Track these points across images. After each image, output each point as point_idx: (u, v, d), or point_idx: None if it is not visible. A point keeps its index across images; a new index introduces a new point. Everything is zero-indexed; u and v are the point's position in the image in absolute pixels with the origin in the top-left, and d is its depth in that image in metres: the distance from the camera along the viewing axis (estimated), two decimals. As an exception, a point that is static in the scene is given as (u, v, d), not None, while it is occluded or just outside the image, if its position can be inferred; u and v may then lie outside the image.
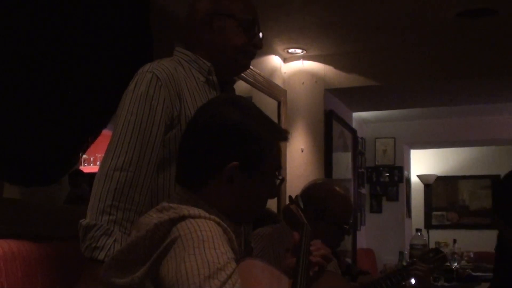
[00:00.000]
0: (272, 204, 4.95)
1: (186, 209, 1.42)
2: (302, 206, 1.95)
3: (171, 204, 1.46)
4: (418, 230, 4.47)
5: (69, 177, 3.41)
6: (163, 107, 1.87)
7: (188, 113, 1.91)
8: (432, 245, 6.16)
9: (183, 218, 1.40)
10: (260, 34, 2.16)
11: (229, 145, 1.57)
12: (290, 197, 2.70)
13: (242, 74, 4.53)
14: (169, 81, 1.91)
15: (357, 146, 6.95)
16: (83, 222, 1.78)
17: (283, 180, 1.76)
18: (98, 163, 5.71)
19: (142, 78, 1.91)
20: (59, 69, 2.78)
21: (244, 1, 2.15)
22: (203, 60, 2.05)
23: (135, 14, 3.27)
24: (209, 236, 1.35)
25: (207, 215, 1.43)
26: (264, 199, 1.68)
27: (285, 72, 5.69)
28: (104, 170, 1.82)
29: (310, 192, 2.89)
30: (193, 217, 1.40)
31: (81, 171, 4.38)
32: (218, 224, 1.42)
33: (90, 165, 5.65)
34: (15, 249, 2.11)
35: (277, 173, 1.68)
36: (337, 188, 2.94)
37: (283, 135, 1.70)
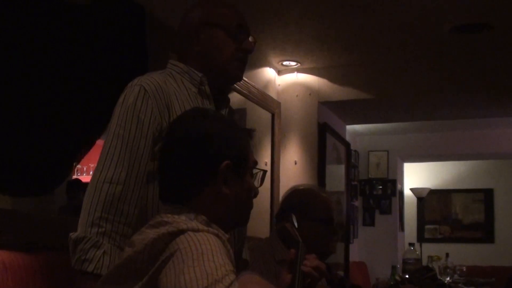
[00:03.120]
0: (265, 212, 4.96)
1: (184, 223, 1.42)
2: (296, 225, 1.97)
3: (165, 219, 1.46)
4: (411, 244, 4.48)
5: (67, 187, 3.40)
6: (150, 119, 1.88)
7: None
8: (424, 259, 6.15)
9: (181, 231, 1.39)
10: (250, 38, 2.14)
11: (217, 148, 1.58)
12: (279, 215, 2.73)
13: (236, 86, 4.55)
14: (157, 93, 1.91)
15: (350, 158, 6.95)
16: (73, 235, 1.79)
17: (266, 171, 1.87)
18: (91, 172, 5.72)
19: (131, 91, 1.92)
20: (53, 79, 2.78)
21: (229, 7, 2.15)
22: (195, 71, 2.05)
23: (131, 26, 3.27)
24: (208, 249, 1.35)
25: (205, 228, 1.43)
26: (252, 198, 1.71)
27: (279, 85, 5.70)
28: (94, 183, 1.84)
29: (291, 196, 3.00)
30: (192, 230, 1.40)
31: (80, 181, 4.36)
32: (217, 236, 1.42)
33: (83, 175, 5.65)
34: (6, 260, 2.11)
35: (257, 168, 1.75)
36: (316, 190, 3.09)
37: (251, 134, 1.78)
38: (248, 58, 2.16)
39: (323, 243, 2.88)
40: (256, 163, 1.73)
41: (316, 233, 2.79)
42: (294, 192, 3.02)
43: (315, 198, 2.94)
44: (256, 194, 1.72)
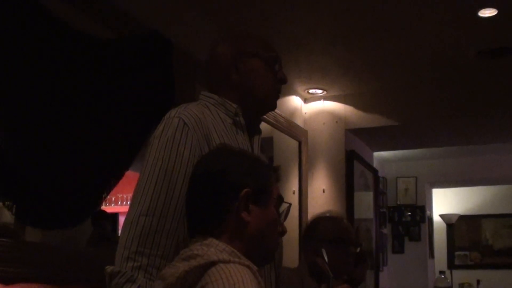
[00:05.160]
0: (293, 241, 4.93)
1: (215, 255, 1.42)
2: (327, 259, 1.97)
3: (195, 252, 1.46)
4: (441, 272, 4.43)
5: (92, 218, 3.42)
6: (190, 152, 1.85)
7: None
8: (455, 286, 6.08)
9: (212, 263, 1.39)
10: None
11: (236, 177, 1.59)
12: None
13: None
14: (197, 126, 1.89)
15: (378, 185, 6.92)
16: (109, 268, 1.77)
17: (290, 205, 1.82)
18: (119, 203, 5.74)
19: (169, 123, 1.89)
20: (83, 113, 2.81)
21: (264, 39, 2.15)
22: (230, 103, 2.03)
23: (158, 59, 3.31)
24: (239, 281, 1.35)
25: (236, 259, 1.42)
26: (277, 232, 1.69)
27: (305, 113, 5.71)
28: (130, 216, 1.81)
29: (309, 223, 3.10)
30: (223, 262, 1.40)
31: (104, 212, 4.38)
32: (248, 267, 1.42)
33: (111, 205, 5.67)
34: (38, 294, 2.12)
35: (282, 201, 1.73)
36: (330, 213, 3.18)
37: (275, 170, 1.80)
38: (281, 90, 2.17)
39: (336, 265, 2.84)
40: (281, 197, 1.71)
41: (340, 257, 2.78)
42: (312, 218, 3.10)
43: (324, 219, 3.00)
44: (284, 231, 1.70)
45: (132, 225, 1.78)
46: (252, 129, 2.11)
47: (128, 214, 1.82)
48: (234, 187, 1.57)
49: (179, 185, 1.81)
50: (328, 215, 3.14)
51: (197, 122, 1.90)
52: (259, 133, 2.13)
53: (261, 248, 1.62)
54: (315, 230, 2.93)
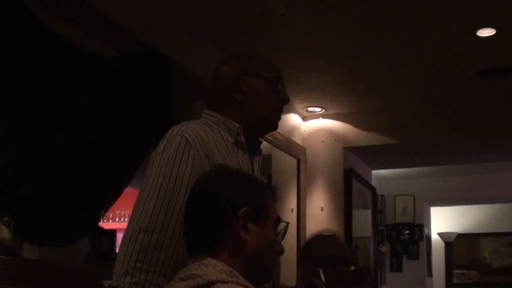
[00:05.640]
0: (291, 259, 4.92)
1: (214, 275, 1.42)
2: (324, 280, 1.97)
3: (194, 272, 1.45)
4: (440, 291, 4.41)
5: (90, 235, 3.41)
6: (192, 170, 1.85)
7: None
8: (454, 305, 6.06)
9: (211, 283, 1.39)
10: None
11: (235, 196, 1.59)
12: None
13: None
14: (199, 144, 1.89)
15: (376, 203, 6.91)
16: (106, 283, 1.76)
17: (288, 224, 1.80)
18: (117, 219, 5.74)
19: (172, 140, 1.89)
20: (82, 130, 2.81)
21: (267, 59, 2.16)
22: (232, 122, 2.03)
23: (158, 76, 3.32)
24: None
25: (234, 279, 1.42)
26: (275, 252, 1.68)
27: (304, 130, 5.71)
28: (130, 231, 1.80)
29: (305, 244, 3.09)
30: (222, 282, 1.39)
31: (102, 229, 4.38)
32: (246, 287, 1.41)
33: (109, 222, 5.66)
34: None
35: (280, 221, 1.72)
36: (325, 231, 3.13)
37: (274, 190, 1.74)
38: (283, 110, 2.17)
39: (329, 283, 2.83)
40: (279, 218, 1.71)
41: (316, 272, 2.77)
42: (309, 236, 3.11)
43: (319, 237, 2.99)
44: (281, 251, 1.69)
45: (132, 240, 1.77)
46: (253, 149, 2.11)
47: (128, 229, 1.81)
48: (232, 206, 1.57)
49: (179, 203, 1.81)
50: (325, 233, 3.14)
51: (199, 140, 1.90)
52: (260, 154, 2.13)
53: (259, 267, 1.62)
54: (310, 248, 2.93)
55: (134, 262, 1.74)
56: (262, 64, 2.12)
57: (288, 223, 1.81)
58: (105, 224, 5.06)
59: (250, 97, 2.06)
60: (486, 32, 3.95)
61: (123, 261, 1.76)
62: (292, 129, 5.47)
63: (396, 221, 8.64)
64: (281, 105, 2.12)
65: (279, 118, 2.14)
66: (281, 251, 1.69)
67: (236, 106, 2.06)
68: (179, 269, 1.72)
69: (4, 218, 2.52)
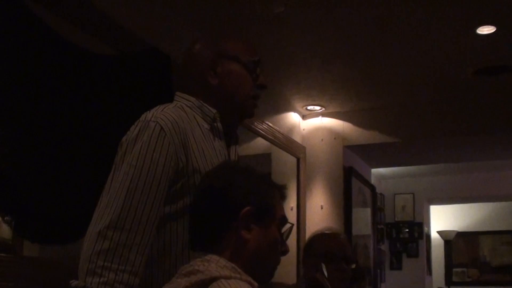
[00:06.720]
0: (291, 258, 4.92)
1: (216, 270, 1.42)
2: (326, 275, 1.96)
3: (196, 267, 1.45)
4: (439, 289, 4.42)
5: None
6: (166, 160, 1.72)
7: (195, 165, 1.79)
8: (454, 303, 6.07)
9: (214, 279, 1.39)
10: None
11: (239, 195, 1.57)
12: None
13: (261, 131, 4.57)
14: (174, 131, 1.76)
15: (376, 202, 6.91)
16: (73, 283, 1.62)
17: (293, 225, 1.74)
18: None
19: (145, 127, 1.76)
20: (82, 128, 2.81)
21: (245, 42, 2.03)
22: (208, 107, 1.91)
23: (157, 75, 3.32)
24: None
25: (237, 275, 1.42)
26: (278, 252, 1.66)
27: (304, 129, 5.72)
28: (97, 227, 1.64)
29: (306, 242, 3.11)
30: (224, 278, 1.39)
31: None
32: (249, 283, 1.42)
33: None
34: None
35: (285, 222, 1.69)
36: (326, 230, 3.18)
37: (282, 190, 1.70)
38: (260, 96, 2.05)
39: (330, 281, 2.83)
40: (285, 218, 1.67)
41: (317, 269, 2.78)
42: (311, 234, 3.12)
43: (321, 235, 3.01)
44: (286, 251, 1.66)
45: (99, 237, 1.62)
46: (230, 138, 2.01)
47: (95, 224, 1.66)
48: (236, 205, 1.56)
49: (152, 197, 1.69)
50: (327, 231, 3.15)
51: (174, 127, 1.77)
52: (236, 143, 2.03)
53: (261, 267, 1.61)
54: (311, 246, 2.94)
55: (103, 262, 1.61)
56: (239, 46, 1.99)
57: (293, 225, 1.76)
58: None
59: (225, 81, 1.93)
60: (486, 30, 3.95)
61: (90, 260, 1.61)
62: (292, 128, 5.47)
63: (396, 219, 8.65)
64: (258, 90, 2.00)
65: (255, 105, 2.01)
66: (285, 251, 1.66)
67: (210, 90, 1.93)
68: (152, 267, 1.67)
69: (5, 217, 2.52)
